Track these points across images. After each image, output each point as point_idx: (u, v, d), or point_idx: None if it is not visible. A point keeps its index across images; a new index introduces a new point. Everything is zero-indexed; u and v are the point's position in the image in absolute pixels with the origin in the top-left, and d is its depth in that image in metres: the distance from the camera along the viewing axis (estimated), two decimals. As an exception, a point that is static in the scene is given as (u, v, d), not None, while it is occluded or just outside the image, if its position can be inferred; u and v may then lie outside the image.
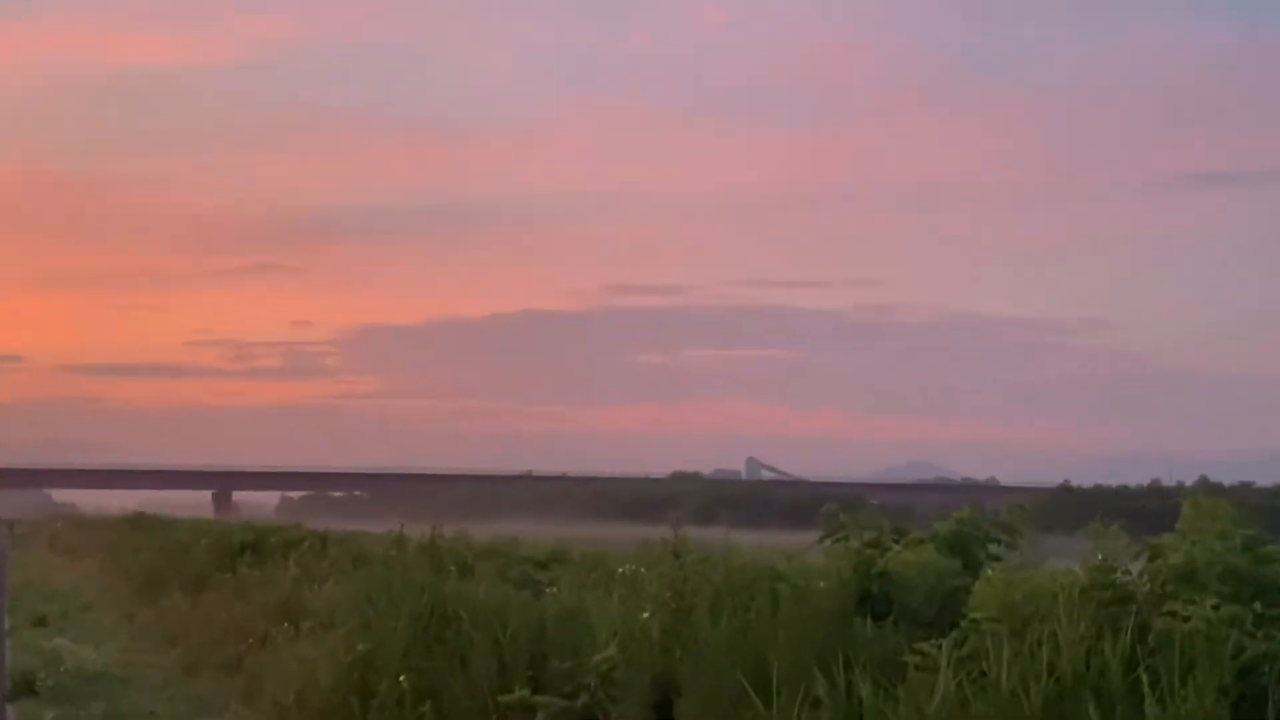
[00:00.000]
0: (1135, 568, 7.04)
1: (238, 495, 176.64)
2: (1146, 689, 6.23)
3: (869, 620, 8.07)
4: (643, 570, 10.81)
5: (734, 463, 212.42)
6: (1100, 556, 6.99)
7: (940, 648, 6.97)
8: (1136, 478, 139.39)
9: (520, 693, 10.19)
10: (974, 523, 8.78)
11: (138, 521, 52.11)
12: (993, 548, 8.80)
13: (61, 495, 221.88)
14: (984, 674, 6.78)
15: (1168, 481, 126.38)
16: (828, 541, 9.44)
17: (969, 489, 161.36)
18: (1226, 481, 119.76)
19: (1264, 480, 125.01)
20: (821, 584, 8.54)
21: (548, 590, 12.69)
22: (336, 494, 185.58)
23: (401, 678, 11.41)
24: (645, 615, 9.56)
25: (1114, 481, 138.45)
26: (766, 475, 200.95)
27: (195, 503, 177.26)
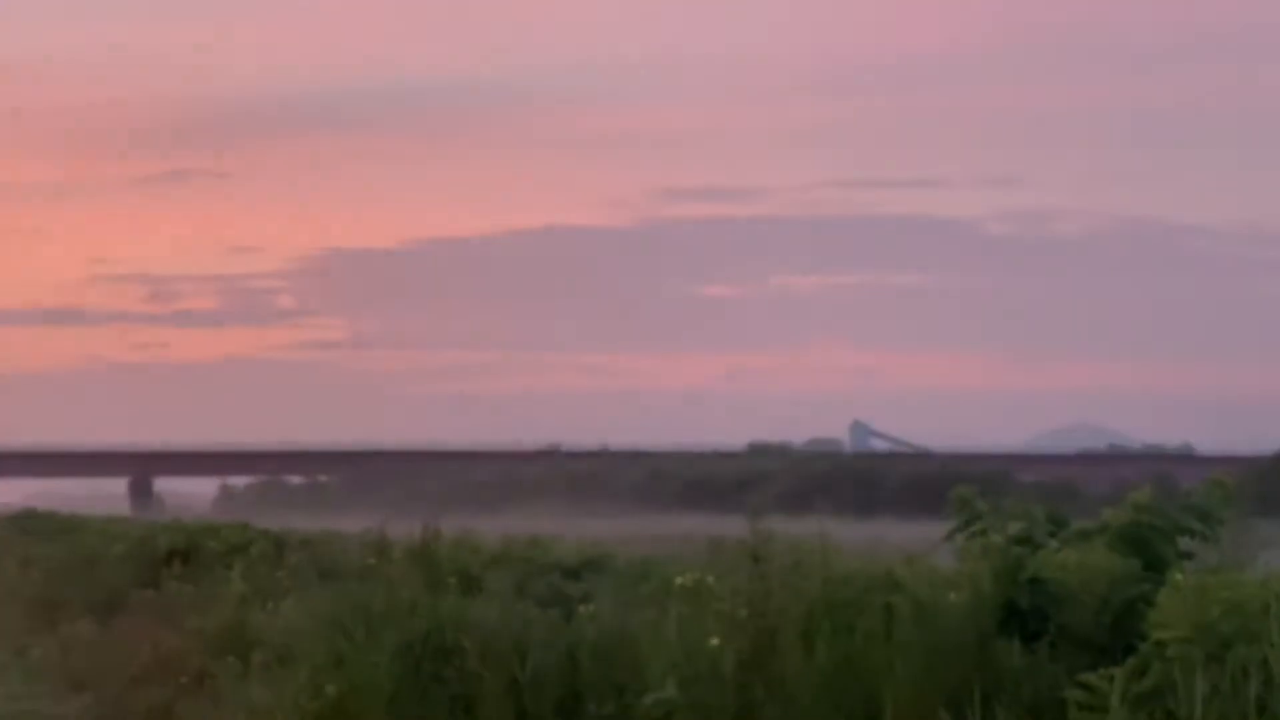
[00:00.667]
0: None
1: (161, 484, 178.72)
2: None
3: (1017, 643, 8.14)
4: (711, 580, 10.92)
5: (835, 429, 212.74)
6: (1330, 553, 7.03)
7: (1112, 679, 7.03)
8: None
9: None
10: (1158, 509, 8.81)
11: (27, 522, 52.86)
12: (1184, 542, 8.83)
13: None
14: (1171, 714, 6.85)
15: None
16: (960, 537, 9.51)
17: (1154, 459, 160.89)
18: None
19: None
20: (953, 596, 8.61)
21: (581, 609, 12.85)
22: (295, 480, 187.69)
23: (387, 730, 11.62)
24: (714, 642, 9.67)
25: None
26: (878, 445, 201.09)
27: (105, 495, 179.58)
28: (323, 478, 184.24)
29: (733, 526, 13.12)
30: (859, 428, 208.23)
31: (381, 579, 15.15)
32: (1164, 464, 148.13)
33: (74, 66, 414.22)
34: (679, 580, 11.76)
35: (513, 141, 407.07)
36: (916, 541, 11.47)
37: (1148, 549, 8.77)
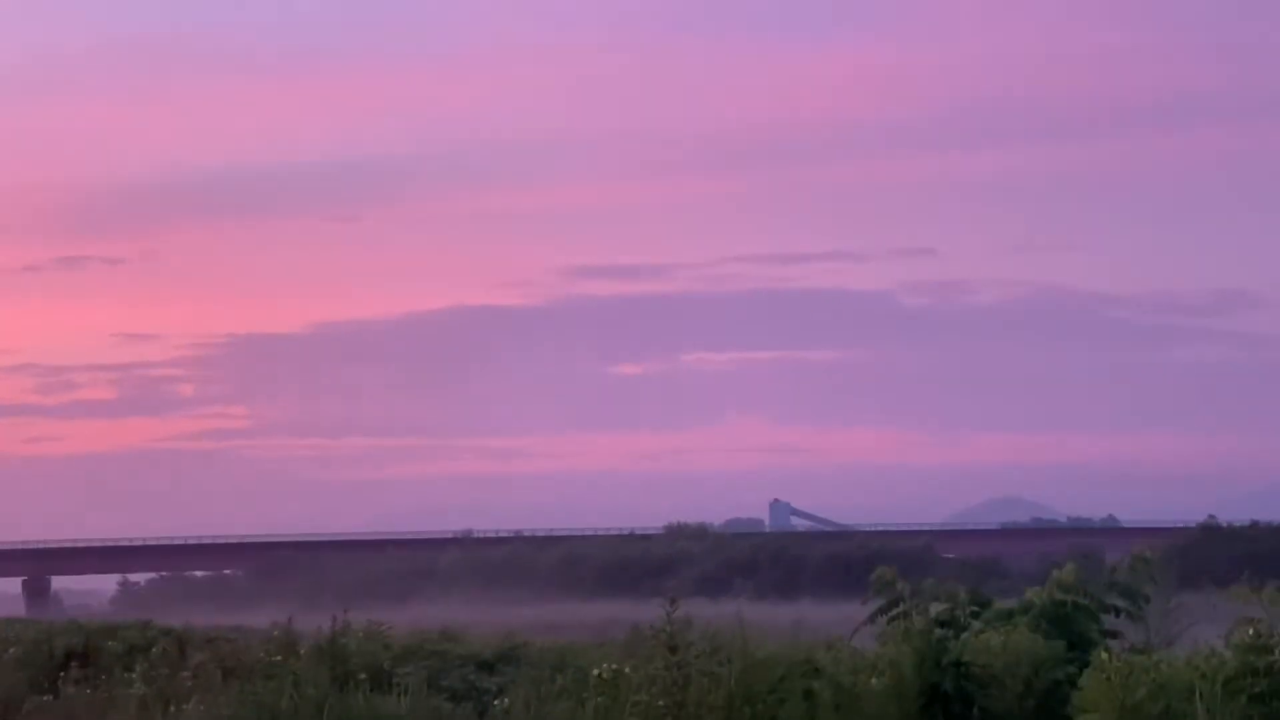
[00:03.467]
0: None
1: (58, 582, 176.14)
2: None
3: (941, 729, 8.11)
4: (628, 670, 10.85)
5: (754, 509, 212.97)
6: (1253, 630, 7.05)
7: (1039, 765, 7.01)
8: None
9: None
10: (1082, 587, 8.84)
11: (-81, 626, 51.96)
12: (1110, 620, 8.85)
13: None
14: (1100, 800, 6.83)
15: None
16: (882, 619, 9.50)
17: (1078, 533, 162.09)
18: None
19: None
20: (875, 681, 8.59)
21: (496, 704, 12.76)
22: (198, 574, 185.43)
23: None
24: (631, 735, 9.60)
25: (1275, 517, 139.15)
26: (799, 524, 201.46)
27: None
28: (228, 571, 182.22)
29: (652, 611, 13.07)
30: (779, 506, 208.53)
31: (288, 677, 14.98)
32: (1089, 537, 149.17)
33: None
34: (596, 671, 11.69)
35: (416, 222, 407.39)
36: (838, 623, 11.48)
37: (1072, 628, 8.81)
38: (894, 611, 9.60)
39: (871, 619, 9.84)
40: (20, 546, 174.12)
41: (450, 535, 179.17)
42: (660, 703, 9.74)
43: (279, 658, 16.89)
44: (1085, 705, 7.14)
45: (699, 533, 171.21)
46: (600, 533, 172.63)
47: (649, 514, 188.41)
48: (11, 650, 28.94)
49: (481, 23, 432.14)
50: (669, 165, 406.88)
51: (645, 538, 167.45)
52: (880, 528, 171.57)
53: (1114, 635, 8.90)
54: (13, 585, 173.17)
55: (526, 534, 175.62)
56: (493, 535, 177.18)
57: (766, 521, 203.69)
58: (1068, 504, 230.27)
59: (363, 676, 15.20)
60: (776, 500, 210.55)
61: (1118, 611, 9.08)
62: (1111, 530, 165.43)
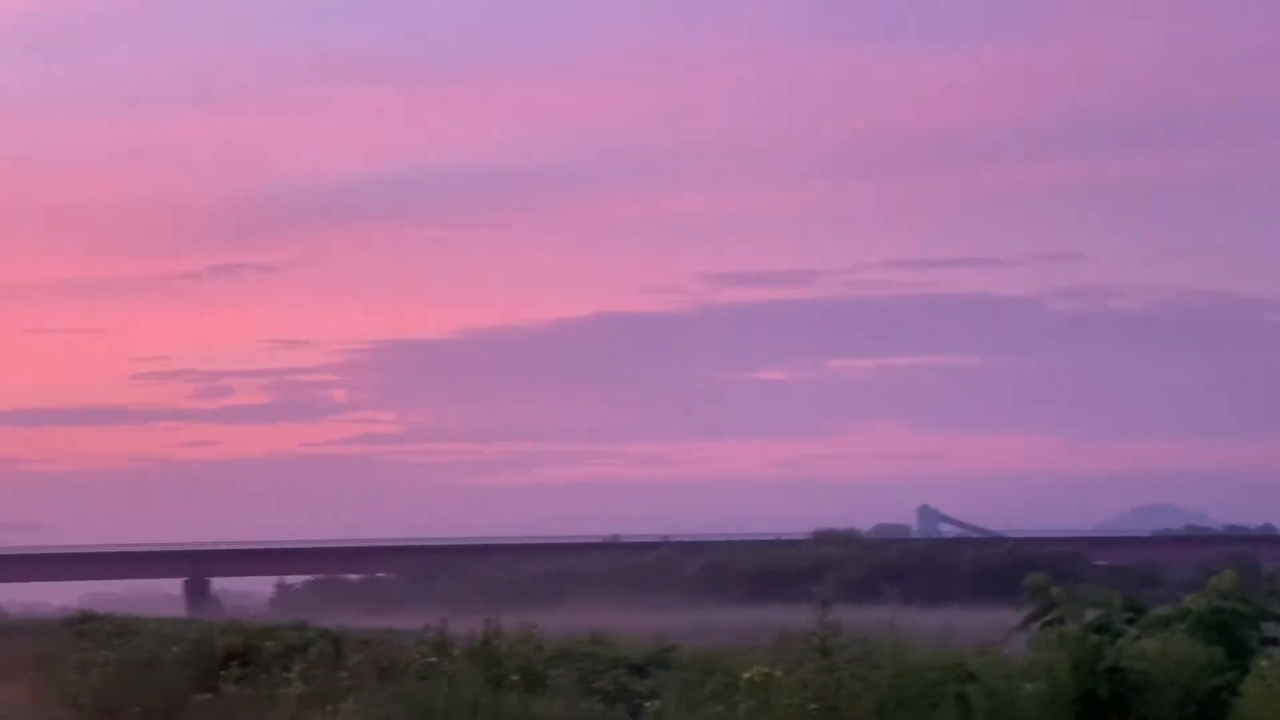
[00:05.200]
0: None
1: (217, 583, 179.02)
2: None
3: (1097, 736, 8.02)
4: (779, 674, 10.83)
5: (902, 515, 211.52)
6: None
7: (1199, 773, 6.91)
8: None
9: None
10: (1242, 594, 8.69)
11: (83, 625, 53.03)
12: (1269, 627, 8.70)
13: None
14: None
15: None
16: (1035, 625, 9.41)
17: (1234, 541, 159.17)
18: None
19: None
20: (1029, 686, 8.51)
21: (647, 706, 12.78)
22: (353, 577, 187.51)
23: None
24: (784, 738, 9.58)
25: None
26: (947, 531, 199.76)
27: (160, 595, 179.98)
28: (381, 574, 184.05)
29: (799, 617, 13.01)
30: (927, 513, 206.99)
31: (442, 677, 15.13)
32: (1244, 545, 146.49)
33: (120, 161, 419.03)
34: (746, 675, 11.68)
35: (562, 229, 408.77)
36: (988, 629, 11.39)
37: (1231, 635, 8.68)
38: (1047, 617, 9.49)
39: (1024, 624, 9.75)
40: (181, 548, 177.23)
41: (598, 540, 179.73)
42: (812, 706, 9.72)
43: (434, 659, 17.05)
44: (1247, 713, 7.02)
45: (846, 538, 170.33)
46: (747, 538, 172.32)
47: (795, 520, 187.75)
48: (174, 649, 29.49)
49: (624, 31, 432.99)
50: (812, 171, 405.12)
51: (792, 543, 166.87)
52: (1029, 534, 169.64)
53: (1275, 643, 8.74)
54: (174, 586, 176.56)
55: (674, 539, 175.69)
56: (640, 540, 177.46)
57: (914, 527, 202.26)
58: (1220, 511, 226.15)
59: (515, 678, 15.31)
60: (925, 506, 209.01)
61: (1278, 619, 8.93)
62: (1269, 538, 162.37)
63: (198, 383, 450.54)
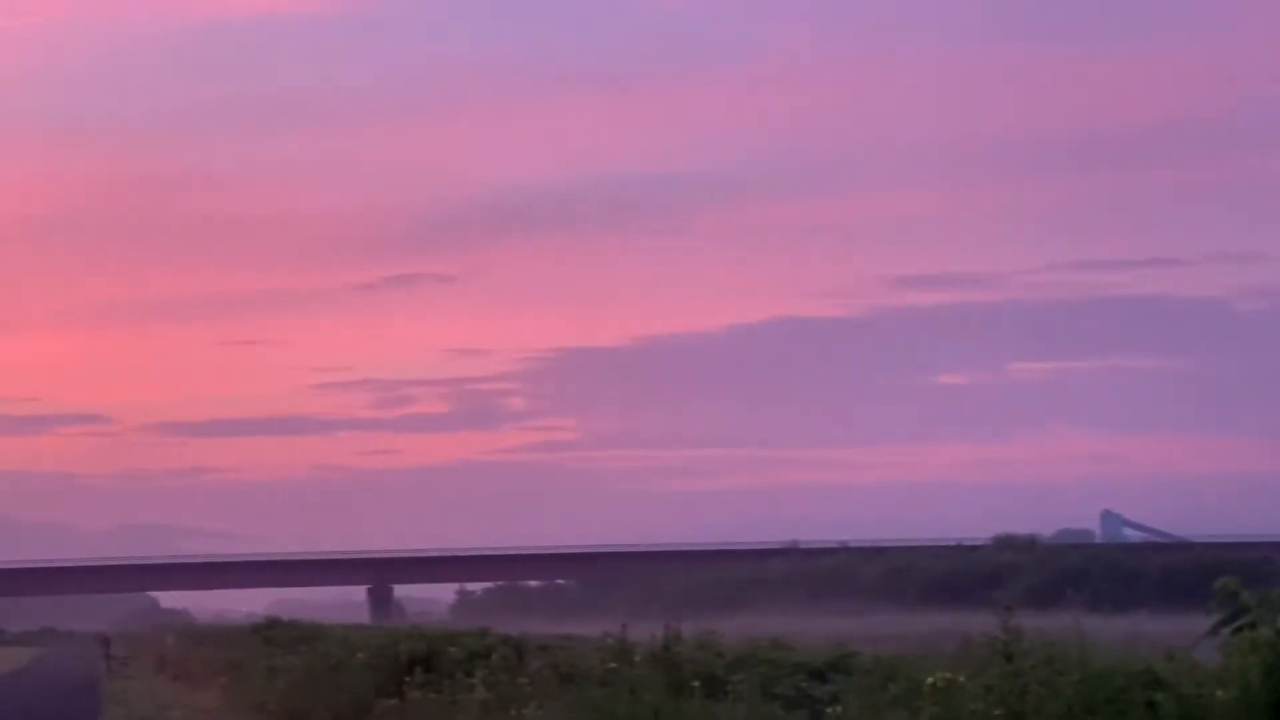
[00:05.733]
0: None
1: (400, 590, 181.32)
2: None
3: (1293, 743, 7.84)
4: (962, 680, 10.73)
5: (1085, 520, 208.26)
6: None
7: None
8: None
9: None
10: None
11: (271, 632, 54.06)
12: None
13: (170, 599, 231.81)
14: None
15: None
16: (1226, 631, 9.21)
17: None
18: None
19: None
20: (1220, 693, 8.34)
21: (829, 711, 12.73)
22: (532, 584, 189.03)
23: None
24: (969, 743, 9.49)
25: None
26: (1132, 536, 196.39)
27: (344, 602, 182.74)
28: (561, 581, 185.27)
29: (980, 623, 12.90)
30: (1111, 518, 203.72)
31: (624, 684, 15.17)
32: None
33: (299, 176, 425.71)
34: (929, 680, 11.58)
35: (739, 234, 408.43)
36: (1176, 636, 11.16)
37: None
38: (1238, 622, 9.29)
39: (1214, 630, 9.54)
40: (365, 556, 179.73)
41: (776, 546, 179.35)
42: (996, 712, 9.61)
43: (614, 665, 17.10)
44: None
45: (1028, 544, 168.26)
46: (926, 543, 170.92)
47: (975, 525, 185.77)
48: (359, 655, 29.92)
49: (799, 36, 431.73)
50: (988, 173, 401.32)
51: (972, 549, 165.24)
52: (1217, 538, 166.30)
53: None
54: (358, 593, 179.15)
55: (852, 545, 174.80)
56: (818, 546, 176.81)
57: (1097, 533, 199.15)
58: None
59: (696, 684, 15.33)
60: (1107, 511, 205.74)
61: None
62: None
63: (378, 392, 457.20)
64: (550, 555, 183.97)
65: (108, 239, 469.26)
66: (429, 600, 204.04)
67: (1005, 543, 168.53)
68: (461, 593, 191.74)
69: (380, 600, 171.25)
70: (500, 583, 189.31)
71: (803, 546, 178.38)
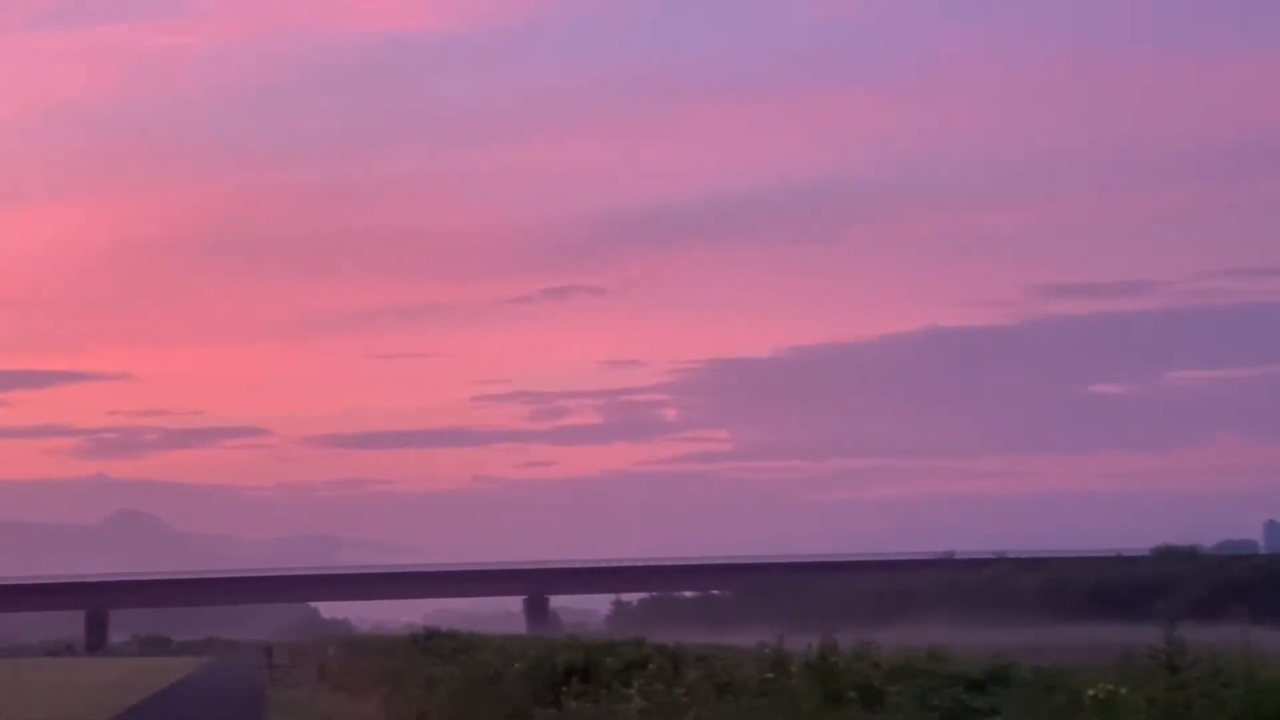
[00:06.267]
0: None
1: (555, 601, 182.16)
2: None
3: None
4: (1125, 692, 10.59)
5: (1249, 530, 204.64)
6: None
7: None
8: None
9: None
10: None
11: (429, 642, 54.64)
12: None
13: (330, 610, 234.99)
14: None
15: None
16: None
17: None
18: None
19: None
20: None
21: (989, 722, 12.60)
22: (688, 595, 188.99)
23: None
24: (1132, 757, 9.36)
25: None
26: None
27: (501, 613, 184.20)
28: (716, 592, 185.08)
29: (1141, 635, 12.71)
30: (1275, 528, 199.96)
31: (781, 694, 15.14)
32: None
33: (449, 188, 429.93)
34: (1091, 692, 11.44)
35: (887, 244, 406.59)
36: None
37: None
38: None
39: (1384, 642, 9.34)
40: (521, 567, 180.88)
41: (931, 557, 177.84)
42: (1161, 726, 9.46)
43: (771, 675, 17.08)
44: None
45: (1189, 555, 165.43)
46: (1084, 554, 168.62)
47: (1134, 535, 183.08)
48: (517, 665, 30.14)
49: (950, 46, 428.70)
50: (1141, 180, 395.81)
51: (1131, 560, 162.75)
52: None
53: None
54: (515, 604, 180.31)
55: (1008, 555, 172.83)
56: (974, 556, 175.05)
57: (1261, 543, 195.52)
58: None
59: (853, 694, 15.26)
60: (1271, 521, 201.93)
61: None
62: None
63: (534, 404, 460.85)
64: (705, 566, 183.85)
65: (270, 255, 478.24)
66: (584, 610, 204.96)
67: (1165, 554, 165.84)
68: (617, 603, 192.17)
69: (536, 610, 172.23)
70: (655, 593, 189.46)
71: (958, 557, 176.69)
